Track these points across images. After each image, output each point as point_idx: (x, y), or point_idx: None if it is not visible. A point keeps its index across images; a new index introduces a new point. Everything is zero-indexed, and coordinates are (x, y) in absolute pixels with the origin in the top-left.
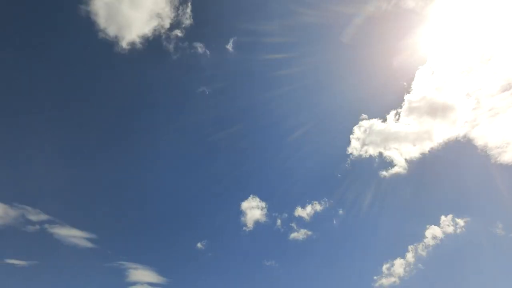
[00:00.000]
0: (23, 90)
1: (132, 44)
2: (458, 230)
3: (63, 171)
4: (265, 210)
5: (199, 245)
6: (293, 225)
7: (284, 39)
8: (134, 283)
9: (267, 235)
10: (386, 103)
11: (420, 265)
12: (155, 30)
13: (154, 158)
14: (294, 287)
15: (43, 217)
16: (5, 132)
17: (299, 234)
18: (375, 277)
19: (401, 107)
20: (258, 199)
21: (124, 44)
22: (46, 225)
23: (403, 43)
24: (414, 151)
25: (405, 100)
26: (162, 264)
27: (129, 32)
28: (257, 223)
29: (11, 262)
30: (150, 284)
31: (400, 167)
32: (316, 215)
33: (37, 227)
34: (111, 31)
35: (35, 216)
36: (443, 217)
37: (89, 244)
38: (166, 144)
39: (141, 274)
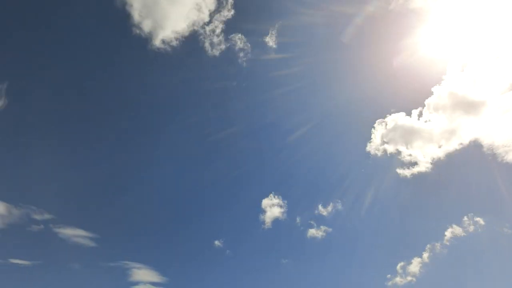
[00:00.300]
0: (32, 89)
1: (167, 42)
2: (478, 230)
3: (68, 171)
4: (284, 208)
5: (216, 242)
6: (312, 222)
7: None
8: (137, 283)
9: (285, 233)
10: (403, 102)
11: (437, 264)
12: (193, 24)
13: (169, 155)
14: (308, 285)
15: (47, 216)
16: (10, 132)
17: (317, 233)
18: (388, 276)
19: (420, 106)
20: (277, 197)
21: (157, 42)
22: (51, 225)
23: (408, 42)
24: (436, 150)
25: (424, 100)
26: (164, 264)
27: (164, 28)
28: (276, 221)
29: (15, 262)
30: (152, 283)
31: (422, 166)
32: (334, 213)
33: (42, 226)
34: (146, 26)
35: (39, 215)
36: (462, 217)
37: (93, 244)
38: (183, 141)
39: (144, 274)
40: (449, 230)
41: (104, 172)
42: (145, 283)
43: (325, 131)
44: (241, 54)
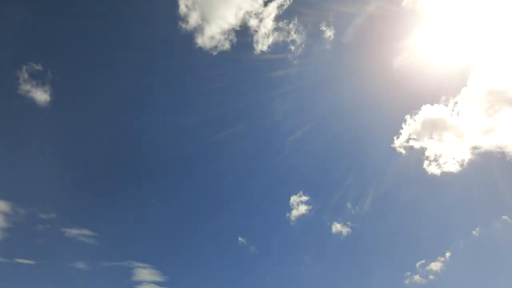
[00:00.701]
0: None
1: (215, 39)
2: (506, 230)
3: (74, 170)
4: (310, 206)
5: (240, 239)
6: (338, 220)
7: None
8: (140, 283)
9: (311, 230)
10: (433, 97)
11: (460, 264)
12: (243, 18)
13: (181, 153)
14: (326, 280)
15: (53, 215)
16: (15, 132)
17: (342, 230)
18: (407, 273)
19: (453, 102)
20: (305, 195)
21: (203, 39)
22: (56, 224)
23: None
24: (466, 148)
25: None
26: (166, 264)
27: (212, 22)
28: (301, 218)
29: (21, 262)
30: (155, 283)
31: (450, 164)
32: (360, 211)
33: (47, 226)
34: (193, 19)
35: (45, 214)
36: (489, 217)
37: (97, 243)
38: (197, 138)
39: (149, 274)
40: (476, 229)
41: (111, 172)
42: (148, 283)
43: (353, 128)
44: (293, 47)
